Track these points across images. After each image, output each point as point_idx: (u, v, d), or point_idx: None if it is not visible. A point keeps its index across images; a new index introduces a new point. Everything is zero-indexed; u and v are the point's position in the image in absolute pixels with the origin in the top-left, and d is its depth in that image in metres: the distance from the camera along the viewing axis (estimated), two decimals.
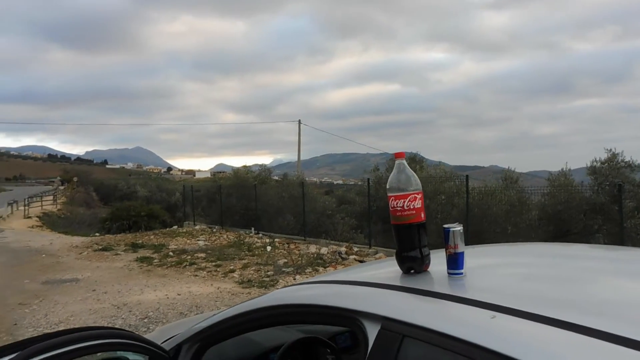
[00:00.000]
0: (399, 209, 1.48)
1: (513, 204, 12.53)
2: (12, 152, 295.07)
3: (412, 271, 1.49)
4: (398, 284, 1.42)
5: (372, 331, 1.26)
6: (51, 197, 44.14)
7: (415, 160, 15.84)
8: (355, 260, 11.49)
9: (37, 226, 26.69)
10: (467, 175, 12.20)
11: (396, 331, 1.19)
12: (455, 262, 1.38)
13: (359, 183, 23.09)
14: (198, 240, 16.09)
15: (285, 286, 2.11)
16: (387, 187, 1.52)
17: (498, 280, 1.43)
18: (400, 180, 1.50)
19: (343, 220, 16.96)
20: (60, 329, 6.48)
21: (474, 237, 10.20)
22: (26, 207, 32.82)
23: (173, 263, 11.80)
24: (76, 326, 6.63)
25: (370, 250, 12.55)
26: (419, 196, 1.48)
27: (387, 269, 1.65)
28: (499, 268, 1.63)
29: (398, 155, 1.54)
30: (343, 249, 12.46)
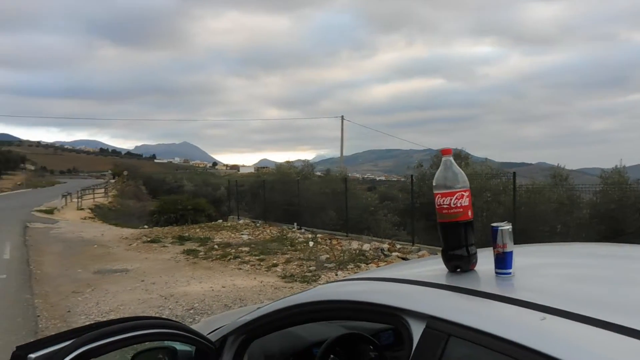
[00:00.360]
0: (445, 206, 1.46)
1: (562, 202, 12.13)
2: (66, 146, 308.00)
3: (459, 270, 1.46)
4: (444, 282, 1.40)
5: (417, 330, 1.25)
6: (103, 190, 45.83)
7: (460, 157, 15.56)
8: (398, 257, 11.40)
9: (90, 218, 27.79)
10: (514, 172, 11.90)
11: (442, 330, 1.18)
12: (503, 262, 1.35)
13: (402, 179, 22.88)
14: (242, 234, 16.36)
15: (328, 282, 2.12)
16: (434, 184, 1.50)
17: (548, 281, 1.39)
18: (447, 177, 1.48)
19: (386, 216, 16.86)
20: (111, 317, 6.73)
21: (521, 236, 9.92)
22: (79, 199, 34.18)
23: (218, 256, 12.05)
24: (125, 315, 6.88)
25: (414, 247, 12.42)
26: (466, 194, 1.46)
27: (433, 267, 1.63)
28: (549, 268, 1.58)
29: (445, 152, 1.52)
30: (385, 246, 12.39)
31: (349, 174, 25.91)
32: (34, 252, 12.75)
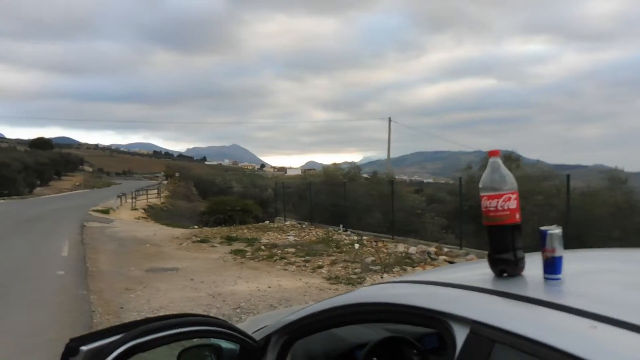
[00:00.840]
0: (492, 209, 1.42)
1: (620, 206, 11.57)
2: (121, 149, 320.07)
3: (505, 274, 1.42)
4: (490, 287, 1.36)
5: (460, 335, 1.22)
6: (156, 191, 47.29)
7: (510, 159, 15.14)
8: (445, 261, 11.21)
9: (143, 218, 28.73)
10: (568, 175, 11.45)
11: (486, 336, 1.15)
12: (552, 267, 1.30)
13: (450, 182, 22.50)
14: (288, 235, 16.51)
15: (371, 284, 2.11)
16: (480, 186, 1.47)
17: (599, 288, 1.33)
18: (494, 179, 1.44)
19: (433, 219, 16.61)
20: (161, 314, 6.93)
21: (574, 241, 9.55)
22: (133, 200, 35.41)
23: (264, 257, 12.20)
24: (176, 312, 7.07)
25: (461, 251, 12.17)
26: (514, 196, 1.42)
27: (478, 270, 1.59)
28: (601, 274, 1.51)
29: (492, 153, 1.48)
30: (432, 249, 12.20)
31: (396, 176, 25.71)
32: (90, 250, 13.30)
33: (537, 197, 12.71)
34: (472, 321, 1.20)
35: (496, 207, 1.42)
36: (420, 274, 2.06)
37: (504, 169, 1.46)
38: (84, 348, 1.28)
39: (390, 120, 36.01)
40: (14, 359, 5.15)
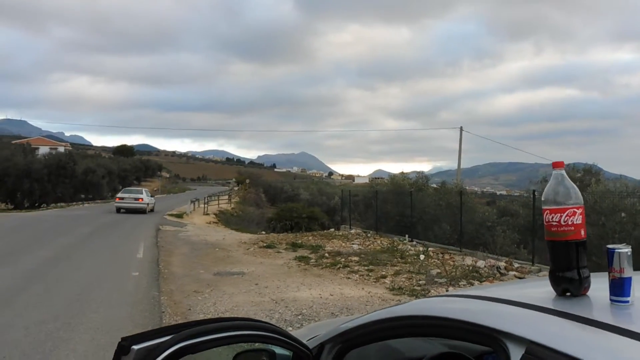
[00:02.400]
0: (554, 223, 1.35)
1: None
2: (197, 156, 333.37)
3: (568, 294, 1.34)
4: (550, 306, 1.28)
5: (515, 354, 1.16)
6: (227, 197, 48.81)
7: (591, 172, 14.29)
8: (515, 276, 10.73)
9: (214, 222, 29.70)
10: None
11: (543, 358, 1.08)
12: (620, 288, 1.21)
13: (525, 194, 21.58)
14: (353, 243, 16.46)
15: (428, 297, 2.05)
16: (542, 199, 1.39)
17: None
18: (558, 192, 1.37)
19: (504, 233, 15.97)
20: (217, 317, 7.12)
21: None
22: (206, 205, 36.71)
23: (328, 264, 12.23)
24: (239, 316, 7.22)
25: (533, 267, 11.60)
26: (579, 211, 1.34)
27: (540, 288, 1.51)
28: None
29: (556, 165, 1.41)
30: (502, 264, 11.72)
31: (467, 187, 25.01)
32: (163, 253, 13.90)
33: (619, 214, 11.89)
34: (528, 341, 1.14)
35: (559, 221, 1.34)
36: (479, 289, 1.98)
37: (569, 182, 1.38)
38: (135, 347, 1.31)
39: (461, 129, 35.15)
40: (91, 355, 5.44)
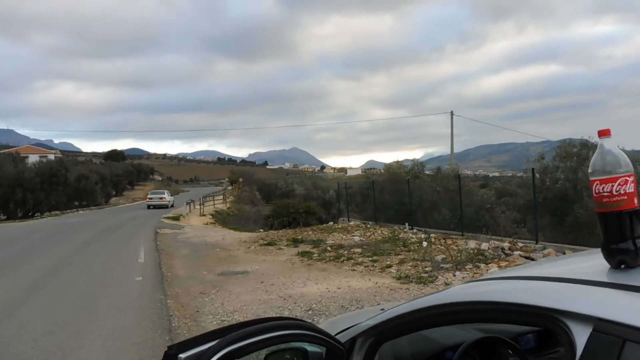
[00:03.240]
0: (606, 194, 1.28)
1: None
2: (188, 157, 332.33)
3: (624, 266, 1.27)
4: (610, 280, 1.22)
5: (581, 334, 1.09)
6: (221, 197, 48.66)
7: (587, 146, 14.29)
8: (521, 256, 10.73)
9: (211, 223, 29.61)
10: None
11: (615, 334, 1.01)
12: None
13: (519, 174, 21.63)
14: (353, 235, 16.42)
15: (468, 281, 1.98)
16: (590, 170, 1.32)
17: None
18: (607, 161, 1.29)
19: (504, 213, 16.00)
20: (235, 317, 7.04)
21: None
22: (201, 206, 36.58)
23: (331, 258, 12.18)
24: (248, 315, 7.16)
25: (537, 245, 11.61)
26: (630, 179, 1.27)
27: (588, 263, 1.45)
28: None
29: (602, 133, 1.33)
30: (506, 245, 11.72)
31: (461, 171, 25.02)
32: (164, 256, 13.79)
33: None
34: (595, 318, 1.07)
35: (611, 191, 1.27)
36: (517, 270, 1.91)
37: (617, 150, 1.31)
38: (182, 356, 1.28)
39: (452, 113, 35.16)
40: None
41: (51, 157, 68.09)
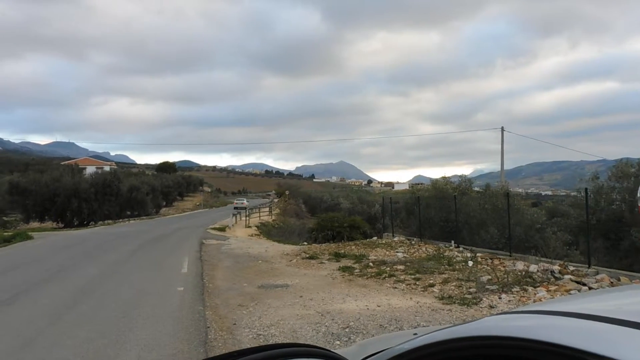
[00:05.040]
0: None
1: None
2: (236, 170, 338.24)
3: None
4: None
5: None
6: (267, 209, 49.10)
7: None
8: (571, 280, 10.18)
9: (256, 235, 29.83)
10: None
11: None
12: None
13: (572, 194, 20.73)
14: (397, 252, 16.11)
15: (501, 312, 1.81)
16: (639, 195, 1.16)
17: None
18: None
19: (555, 235, 15.30)
20: (272, 331, 6.96)
21: None
22: (247, 218, 36.98)
23: (373, 274, 11.95)
24: (284, 330, 7.07)
25: (590, 270, 11.00)
26: None
27: (634, 298, 1.27)
28: None
29: None
30: (556, 267, 11.16)
31: (511, 189, 24.23)
32: (207, 267, 13.94)
33: None
34: None
35: None
36: (557, 302, 1.73)
37: None
38: None
39: (502, 129, 34.24)
40: None
41: (107, 168, 70.87)
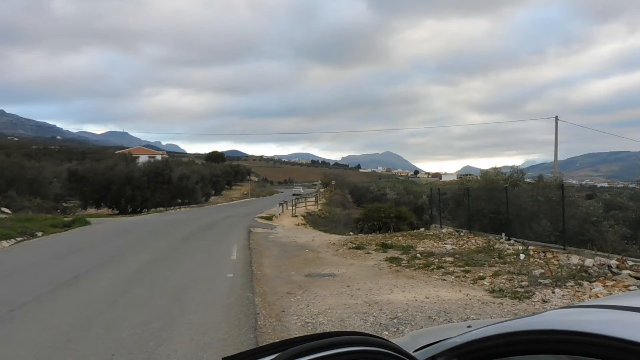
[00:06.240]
0: None
1: None
2: (283, 159, 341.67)
3: None
4: None
5: None
6: (313, 199, 49.41)
7: None
8: (630, 276, 9.76)
9: (302, 224, 30.10)
10: None
11: None
12: None
13: (631, 185, 19.81)
14: (445, 243, 15.88)
15: (566, 306, 1.76)
16: None
17: None
18: None
19: (612, 228, 14.69)
20: (320, 319, 7.03)
21: None
22: (293, 207, 37.35)
23: (421, 265, 11.84)
24: (332, 318, 7.12)
25: None
26: None
27: None
28: None
29: None
30: (613, 262, 10.72)
31: (564, 180, 23.39)
32: (255, 255, 14.20)
33: None
34: None
35: None
36: (624, 297, 1.67)
37: None
38: None
39: (557, 119, 33.01)
40: (190, 355, 5.57)
41: (158, 157, 73.17)
